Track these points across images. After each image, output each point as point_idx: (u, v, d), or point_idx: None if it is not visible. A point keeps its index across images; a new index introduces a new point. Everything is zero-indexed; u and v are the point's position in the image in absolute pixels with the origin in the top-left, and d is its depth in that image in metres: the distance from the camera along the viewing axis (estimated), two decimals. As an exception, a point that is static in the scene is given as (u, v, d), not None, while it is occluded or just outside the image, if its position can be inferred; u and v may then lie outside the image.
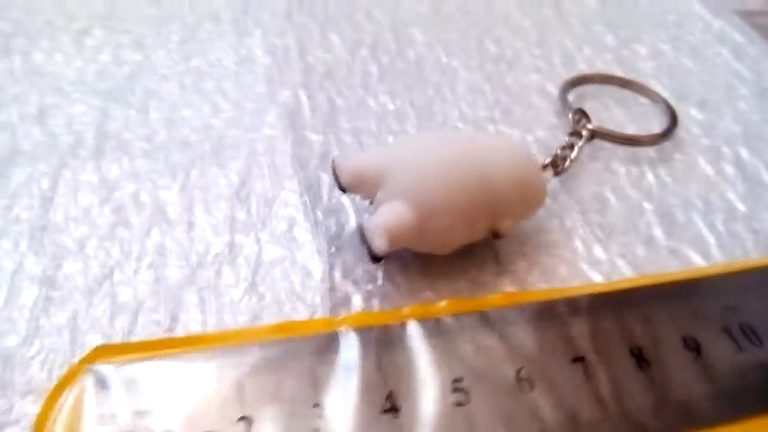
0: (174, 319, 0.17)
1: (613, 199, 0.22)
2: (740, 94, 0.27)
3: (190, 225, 0.19)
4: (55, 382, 0.15)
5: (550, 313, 0.18)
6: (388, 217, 0.17)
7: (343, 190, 0.18)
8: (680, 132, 0.25)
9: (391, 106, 0.24)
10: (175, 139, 0.22)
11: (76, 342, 0.16)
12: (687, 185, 0.23)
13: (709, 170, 0.23)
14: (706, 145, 0.24)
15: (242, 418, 0.15)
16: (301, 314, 0.17)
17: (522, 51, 0.28)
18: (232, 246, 0.19)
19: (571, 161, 0.22)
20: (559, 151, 0.22)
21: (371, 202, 0.18)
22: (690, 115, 0.26)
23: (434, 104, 0.25)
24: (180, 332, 0.17)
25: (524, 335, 0.17)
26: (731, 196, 0.23)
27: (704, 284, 0.19)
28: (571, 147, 0.23)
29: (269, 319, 0.17)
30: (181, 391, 0.15)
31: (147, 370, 0.15)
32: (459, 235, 0.18)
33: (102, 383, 0.15)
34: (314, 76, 0.25)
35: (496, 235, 0.19)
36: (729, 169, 0.24)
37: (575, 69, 0.27)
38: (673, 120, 0.25)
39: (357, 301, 0.18)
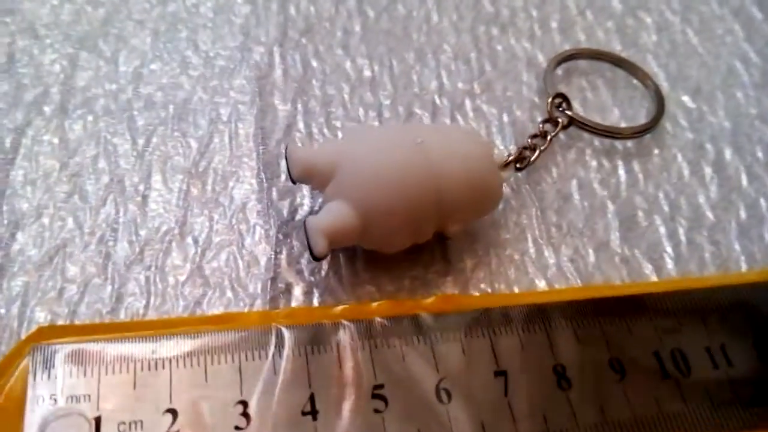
0: (119, 299, 0.18)
1: (576, 197, 0.22)
2: (741, 81, 0.25)
3: (145, 198, 0.19)
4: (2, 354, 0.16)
5: (482, 323, 0.18)
6: (328, 219, 0.17)
7: (294, 181, 0.18)
8: (666, 122, 0.24)
9: (367, 72, 0.23)
10: (140, 98, 0.21)
11: (24, 316, 0.17)
12: (658, 185, 0.22)
13: (685, 170, 0.23)
14: (688, 141, 0.24)
15: (169, 410, 0.16)
16: (241, 303, 0.18)
17: (519, 12, 0.27)
18: (183, 224, 0.19)
19: (540, 152, 0.22)
20: (529, 140, 0.22)
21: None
22: (681, 102, 0.25)
23: (414, 72, 0.24)
24: (123, 313, 0.17)
25: (452, 345, 0.18)
26: (702, 201, 0.22)
27: (644, 302, 0.19)
28: (544, 136, 0.22)
29: (210, 305, 0.18)
30: (114, 378, 0.16)
31: (85, 355, 0.16)
32: (403, 238, 0.18)
33: (44, 364, 0.16)
34: (292, 32, 0.24)
35: (443, 237, 0.19)
36: (707, 171, 0.23)
37: (572, 38, 0.26)
38: (659, 111, 0.24)
39: (298, 293, 0.18)
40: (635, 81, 0.25)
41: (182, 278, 0.18)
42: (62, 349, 0.16)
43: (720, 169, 0.23)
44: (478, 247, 0.20)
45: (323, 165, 0.18)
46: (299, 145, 0.21)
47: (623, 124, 0.24)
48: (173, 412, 0.16)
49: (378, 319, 0.18)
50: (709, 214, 0.22)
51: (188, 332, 0.17)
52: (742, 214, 0.22)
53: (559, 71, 0.25)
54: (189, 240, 0.19)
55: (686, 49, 0.26)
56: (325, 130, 0.21)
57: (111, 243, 0.18)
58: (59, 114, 0.21)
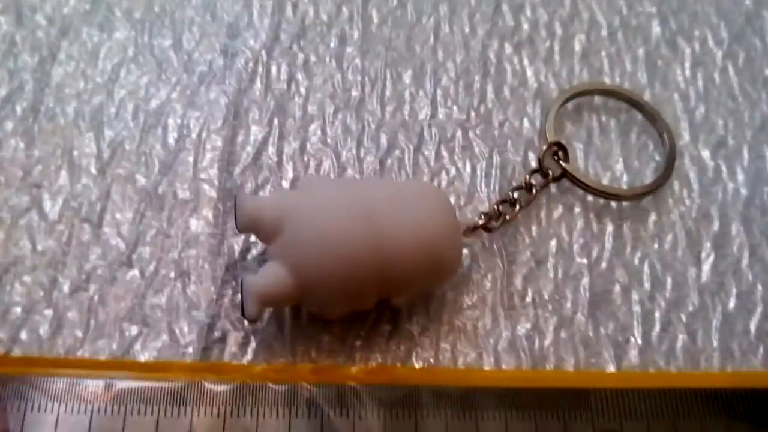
0: (58, 328, 0.18)
1: (551, 261, 0.20)
2: (775, 139, 0.23)
3: (100, 220, 0.19)
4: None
5: (410, 403, 0.18)
6: (263, 283, 0.17)
7: (239, 230, 0.18)
8: (675, 179, 0.22)
9: (355, 92, 0.22)
10: (113, 102, 0.21)
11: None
12: (645, 256, 0.21)
13: (681, 242, 0.21)
14: (694, 206, 0.22)
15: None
16: (172, 350, 0.18)
17: (541, 28, 0.24)
18: (132, 251, 0.19)
19: (518, 210, 0.20)
20: (510, 194, 0.20)
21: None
22: (698, 158, 0.22)
23: (407, 93, 0.22)
24: (60, 343, 0.18)
25: (373, 422, 0.17)
26: (690, 281, 0.20)
27: (588, 399, 0.18)
28: (529, 189, 0.21)
29: (144, 346, 0.18)
30: (36, 416, 0.17)
31: (11, 391, 0.17)
32: (343, 306, 0.18)
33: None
34: (284, 36, 0.22)
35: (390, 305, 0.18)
36: (705, 246, 0.21)
37: (594, 65, 0.24)
38: (667, 172, 0.22)
39: (232, 344, 0.18)
40: (652, 127, 0.23)
41: (122, 313, 0.18)
42: (-6, 380, 0.17)
43: (721, 245, 0.21)
44: (431, 310, 0.19)
45: (269, 220, 0.17)
46: (249, 194, 0.20)
47: (626, 178, 0.22)
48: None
49: (305, 384, 0.18)
50: (694, 298, 0.20)
51: (110, 376, 0.17)
52: (731, 302, 0.20)
53: (570, 105, 0.23)
54: (136, 271, 0.19)
55: (721, 90, 0.23)
56: (295, 162, 0.21)
57: (60, 266, 0.19)
58: (30, 114, 0.20)
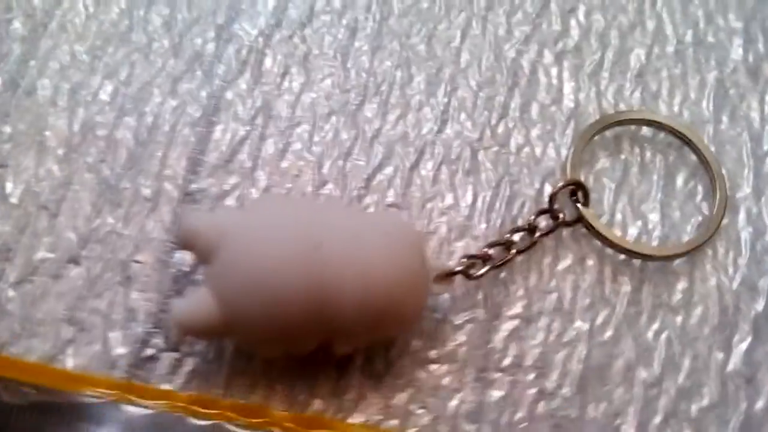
0: (-5, 321, 0.17)
1: (543, 323, 0.17)
2: None
3: (57, 208, 0.18)
4: None
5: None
6: (186, 310, 0.15)
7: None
8: (719, 237, 0.18)
9: (354, 95, 0.19)
10: (93, 81, 0.19)
11: None
12: (660, 333, 0.17)
13: (710, 323, 0.17)
14: (736, 280, 0.18)
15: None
16: (100, 361, 0.17)
17: (592, 35, 0.20)
18: (83, 247, 0.18)
19: (516, 254, 0.17)
20: (507, 236, 0.17)
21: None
22: (758, 217, 0.18)
23: (415, 102, 0.19)
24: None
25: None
26: (712, 370, 0.17)
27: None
28: (531, 231, 0.18)
29: (75, 352, 0.17)
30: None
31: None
32: (277, 347, 0.16)
33: None
34: (287, 23, 0.20)
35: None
36: (738, 336, 0.17)
37: (651, 89, 0.20)
38: (711, 229, 0.18)
39: (163, 365, 0.17)
40: (705, 172, 0.19)
41: (61, 313, 0.17)
42: None
43: (763, 329, 0.17)
44: (389, 358, 0.17)
45: (204, 240, 0.15)
46: (194, 207, 0.18)
47: (659, 231, 0.18)
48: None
49: (229, 425, 0.16)
50: (713, 389, 0.17)
51: (31, 384, 0.16)
52: (760, 402, 0.17)
53: (609, 133, 0.19)
54: (82, 268, 0.18)
55: (806, 135, 0.19)
56: (271, 169, 0.18)
57: (11, 254, 0.18)
58: (10, 87, 0.19)
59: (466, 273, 0.17)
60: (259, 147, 0.19)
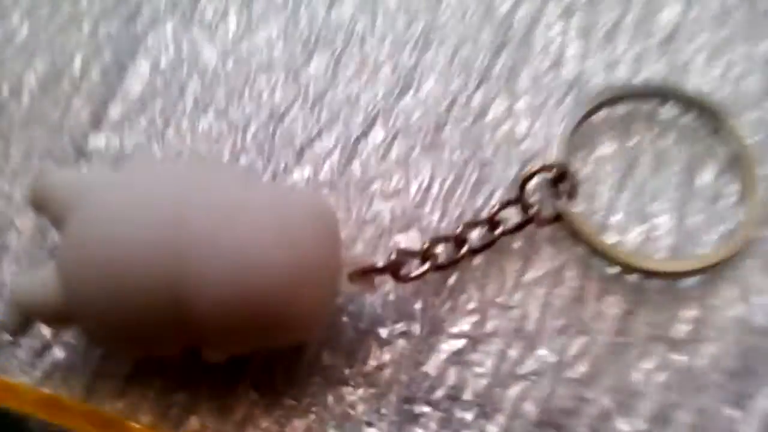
0: None
1: (494, 346, 0.13)
2: None
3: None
4: None
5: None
6: (27, 289, 0.12)
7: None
8: (752, 258, 0.13)
9: (305, 47, 0.16)
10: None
11: None
12: (655, 373, 0.13)
13: (721, 365, 0.13)
14: (762, 310, 0.13)
15: None
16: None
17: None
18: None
19: (468, 254, 0.13)
20: (460, 228, 0.13)
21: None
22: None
23: (372, 60, 0.16)
24: None
25: None
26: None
27: None
28: (493, 227, 0.14)
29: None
30: None
31: None
32: (131, 346, 0.12)
33: None
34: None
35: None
36: (760, 390, 0.13)
37: (681, 58, 0.15)
38: (739, 242, 0.13)
39: (25, 351, 0.14)
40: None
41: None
42: None
43: (796, 382, 0.13)
44: (292, 371, 0.13)
45: (56, 204, 0.12)
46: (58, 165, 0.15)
47: (670, 240, 0.14)
48: None
49: None
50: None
51: None
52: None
53: (622, 109, 0.15)
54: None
55: None
56: (185, 129, 0.15)
57: None
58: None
59: (394, 272, 0.13)
60: (175, 103, 0.16)
